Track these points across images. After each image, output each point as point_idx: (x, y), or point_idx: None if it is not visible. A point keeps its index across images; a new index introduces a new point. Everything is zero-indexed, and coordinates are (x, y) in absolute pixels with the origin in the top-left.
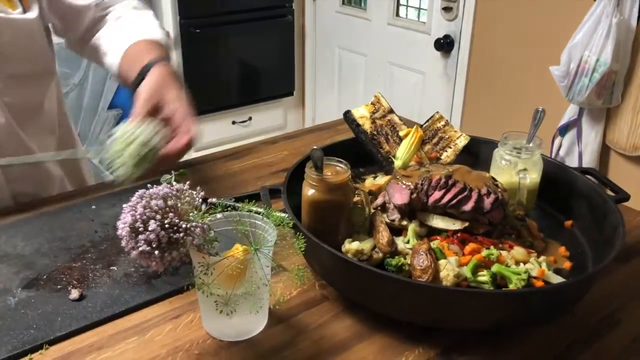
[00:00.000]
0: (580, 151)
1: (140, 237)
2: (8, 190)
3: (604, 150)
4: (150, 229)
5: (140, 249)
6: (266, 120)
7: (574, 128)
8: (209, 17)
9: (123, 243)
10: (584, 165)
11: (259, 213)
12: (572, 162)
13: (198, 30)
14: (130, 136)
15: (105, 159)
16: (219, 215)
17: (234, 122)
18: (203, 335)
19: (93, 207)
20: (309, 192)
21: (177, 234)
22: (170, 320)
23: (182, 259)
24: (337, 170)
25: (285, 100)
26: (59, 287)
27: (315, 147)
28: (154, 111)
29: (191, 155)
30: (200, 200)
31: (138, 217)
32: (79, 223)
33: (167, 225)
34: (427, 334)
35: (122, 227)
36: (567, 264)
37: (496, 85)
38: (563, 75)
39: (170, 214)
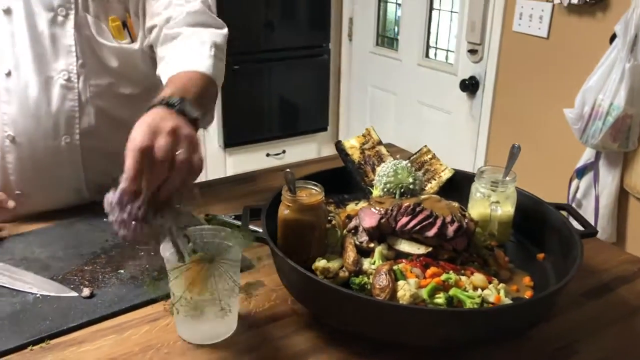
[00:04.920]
0: (597, 195)
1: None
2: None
3: (622, 194)
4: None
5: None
6: (300, 154)
7: (591, 171)
8: (248, 54)
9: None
10: (601, 208)
11: (227, 225)
12: (589, 205)
13: (237, 67)
14: None
15: None
16: (191, 228)
17: (268, 155)
18: (175, 338)
19: (105, 220)
20: (283, 211)
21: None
22: (149, 322)
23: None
24: (312, 193)
25: (319, 135)
26: (72, 286)
27: (288, 169)
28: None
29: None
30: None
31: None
32: (92, 234)
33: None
34: (381, 350)
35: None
36: (528, 294)
37: (519, 126)
38: (577, 118)
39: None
